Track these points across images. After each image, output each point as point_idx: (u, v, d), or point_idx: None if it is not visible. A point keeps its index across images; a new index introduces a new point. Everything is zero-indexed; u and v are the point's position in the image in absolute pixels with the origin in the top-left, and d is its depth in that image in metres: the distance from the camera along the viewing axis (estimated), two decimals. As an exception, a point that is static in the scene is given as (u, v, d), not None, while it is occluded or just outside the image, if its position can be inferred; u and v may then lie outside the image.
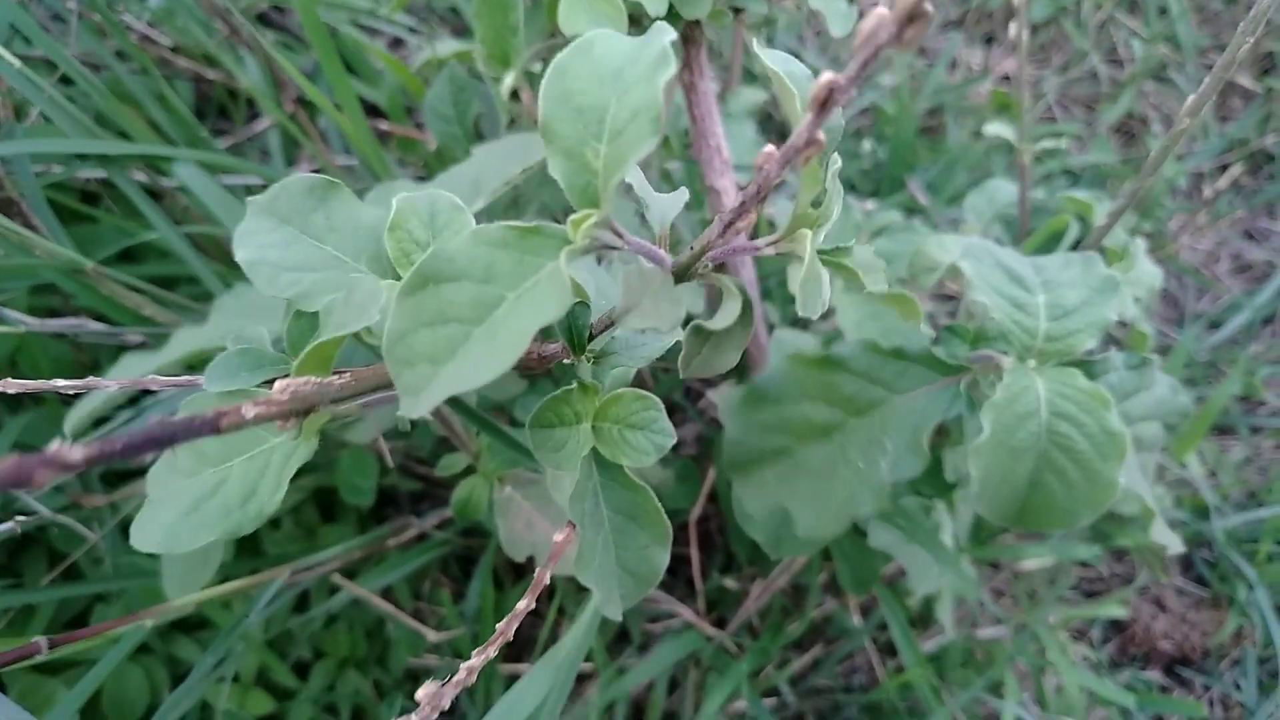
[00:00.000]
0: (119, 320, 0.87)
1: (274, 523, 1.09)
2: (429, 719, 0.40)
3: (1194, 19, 1.76)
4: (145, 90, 1.09)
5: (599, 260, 0.68)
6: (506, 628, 0.49)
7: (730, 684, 0.97)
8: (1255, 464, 1.40)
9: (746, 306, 0.41)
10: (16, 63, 0.86)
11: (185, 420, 0.31)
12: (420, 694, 0.40)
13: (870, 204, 1.28)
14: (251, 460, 0.47)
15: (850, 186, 1.54)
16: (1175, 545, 0.66)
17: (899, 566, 1.17)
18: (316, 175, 0.51)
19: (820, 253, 0.43)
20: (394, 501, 1.15)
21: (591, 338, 0.52)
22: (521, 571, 1.16)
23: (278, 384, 0.36)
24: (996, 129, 0.90)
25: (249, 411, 0.33)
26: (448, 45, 1.06)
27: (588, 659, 1.01)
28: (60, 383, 0.51)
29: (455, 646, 1.06)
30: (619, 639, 1.12)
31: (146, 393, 0.90)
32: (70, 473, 0.28)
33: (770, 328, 1.03)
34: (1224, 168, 1.68)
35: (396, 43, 1.41)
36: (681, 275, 0.42)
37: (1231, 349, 1.49)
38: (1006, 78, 1.77)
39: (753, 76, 1.39)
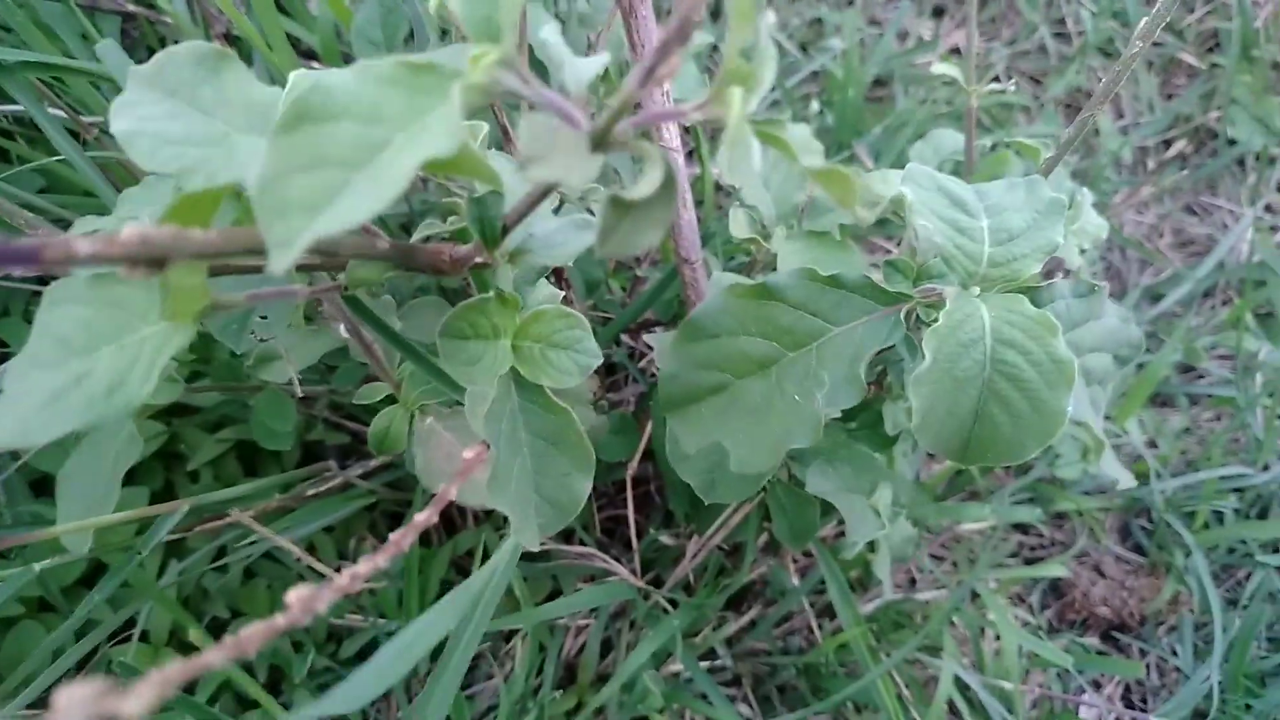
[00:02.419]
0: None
1: (192, 475, 1.04)
2: (299, 622, 0.36)
3: (1141, -4, 1.77)
4: (69, 30, 1.03)
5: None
6: (401, 538, 0.45)
7: (662, 637, 0.94)
8: (1195, 434, 1.40)
9: (669, 176, 0.38)
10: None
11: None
12: (290, 596, 0.36)
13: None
14: (122, 349, 0.43)
15: (798, 152, 1.51)
16: (1126, 479, 0.64)
17: (837, 529, 1.15)
18: (207, 44, 0.47)
19: (752, 123, 0.39)
20: (322, 457, 1.10)
21: (505, 232, 0.48)
22: (452, 529, 1.11)
23: (127, 227, 0.31)
24: (944, 68, 0.87)
25: (83, 247, 0.29)
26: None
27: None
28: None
29: (380, 605, 1.01)
30: (552, 599, 1.08)
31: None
32: None
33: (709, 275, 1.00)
34: (1168, 143, 1.69)
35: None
36: (599, 141, 0.38)
37: (1172, 321, 1.49)
38: (956, 50, 1.76)
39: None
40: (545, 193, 0.44)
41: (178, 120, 0.46)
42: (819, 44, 1.66)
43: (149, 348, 0.42)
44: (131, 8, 1.19)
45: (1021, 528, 1.31)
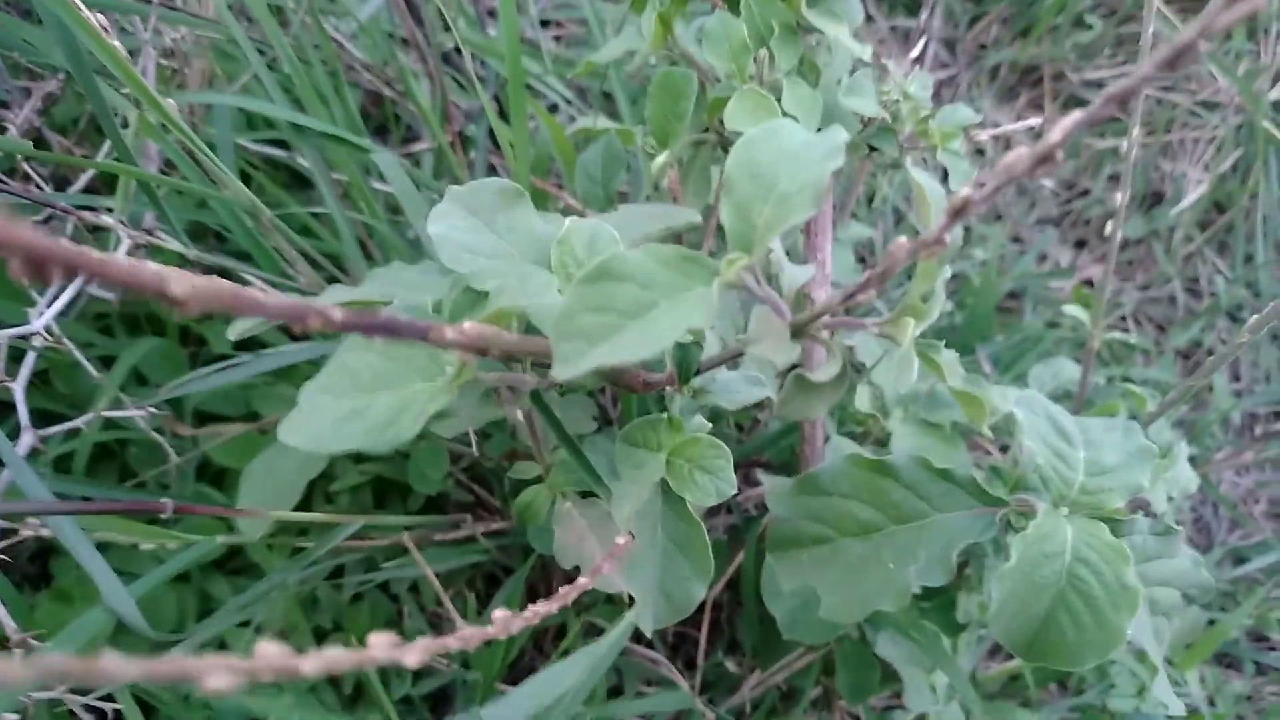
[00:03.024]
0: (263, 268, 0.97)
1: (329, 498, 1.17)
2: (471, 643, 0.46)
3: (1278, 270, 1.85)
4: (328, 89, 1.23)
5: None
6: (542, 609, 0.56)
7: (711, 752, 1.02)
8: (1255, 703, 1.41)
9: (844, 368, 0.49)
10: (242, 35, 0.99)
11: (408, 322, 0.40)
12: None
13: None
14: (398, 394, 0.56)
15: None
16: (1176, 707, 0.71)
17: (886, 701, 1.21)
18: (509, 182, 0.61)
19: (915, 345, 0.51)
20: (442, 509, 1.22)
21: (698, 372, 0.61)
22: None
23: (468, 323, 0.44)
24: (1073, 310, 0.98)
25: (450, 333, 0.42)
26: (604, 121, 1.18)
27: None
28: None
29: (465, 654, 1.11)
30: (611, 694, 1.17)
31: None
32: (330, 327, 0.36)
33: (826, 438, 1.10)
34: (1279, 414, 1.74)
35: (552, 109, 1.54)
36: (798, 330, 0.50)
37: (1252, 586, 1.52)
38: (1089, 282, 1.86)
39: (854, 215, 1.50)
40: (739, 354, 0.56)
41: (476, 234, 0.60)
42: (963, 250, 1.78)
43: (420, 398, 0.55)
44: (387, 92, 1.39)
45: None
